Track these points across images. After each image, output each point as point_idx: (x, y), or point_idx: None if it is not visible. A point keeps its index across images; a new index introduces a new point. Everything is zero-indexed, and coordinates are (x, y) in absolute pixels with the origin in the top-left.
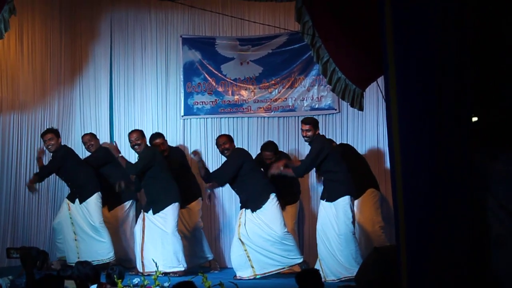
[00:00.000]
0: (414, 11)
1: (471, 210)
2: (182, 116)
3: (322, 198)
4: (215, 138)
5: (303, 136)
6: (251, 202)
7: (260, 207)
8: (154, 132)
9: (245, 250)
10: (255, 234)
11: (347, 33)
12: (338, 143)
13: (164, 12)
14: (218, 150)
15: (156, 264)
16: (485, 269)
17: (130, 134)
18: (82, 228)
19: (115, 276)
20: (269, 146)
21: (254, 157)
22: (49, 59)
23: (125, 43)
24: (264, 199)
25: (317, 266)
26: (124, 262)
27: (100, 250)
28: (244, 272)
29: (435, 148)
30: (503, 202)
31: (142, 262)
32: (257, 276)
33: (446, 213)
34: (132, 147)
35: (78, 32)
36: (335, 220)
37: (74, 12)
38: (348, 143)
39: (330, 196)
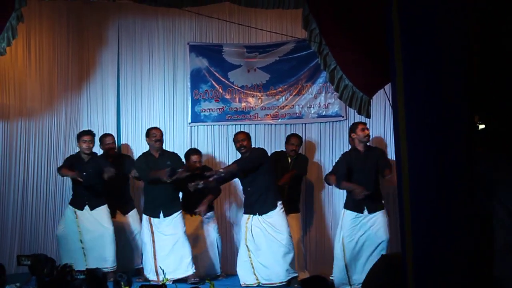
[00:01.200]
0: (421, 18)
1: (477, 218)
2: (189, 123)
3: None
4: (222, 144)
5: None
6: (260, 204)
7: (268, 211)
8: (191, 148)
9: (250, 257)
10: (260, 241)
11: (354, 41)
12: (344, 150)
13: (171, 19)
14: (224, 157)
15: (163, 271)
16: (491, 277)
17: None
18: (91, 235)
19: (122, 283)
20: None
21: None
22: (56, 66)
23: (132, 50)
24: (274, 205)
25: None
26: (131, 269)
27: (108, 257)
28: (248, 279)
29: (442, 155)
30: (511, 209)
31: (156, 271)
32: (260, 284)
33: (453, 221)
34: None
35: (85, 39)
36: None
37: (82, 19)
38: None
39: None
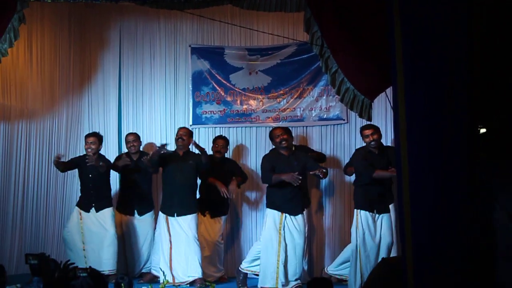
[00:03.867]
0: (422, 21)
1: (478, 222)
2: (191, 125)
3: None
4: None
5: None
6: (299, 204)
7: (301, 212)
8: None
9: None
10: (291, 240)
11: (355, 44)
12: (345, 153)
13: (173, 22)
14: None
15: (163, 273)
16: (493, 281)
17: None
18: (93, 237)
19: (123, 284)
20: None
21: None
22: (58, 67)
23: (134, 52)
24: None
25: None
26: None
27: (108, 260)
28: (269, 282)
29: (443, 158)
30: None
31: (172, 273)
32: None
33: (453, 224)
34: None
35: (87, 41)
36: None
37: (83, 21)
38: None
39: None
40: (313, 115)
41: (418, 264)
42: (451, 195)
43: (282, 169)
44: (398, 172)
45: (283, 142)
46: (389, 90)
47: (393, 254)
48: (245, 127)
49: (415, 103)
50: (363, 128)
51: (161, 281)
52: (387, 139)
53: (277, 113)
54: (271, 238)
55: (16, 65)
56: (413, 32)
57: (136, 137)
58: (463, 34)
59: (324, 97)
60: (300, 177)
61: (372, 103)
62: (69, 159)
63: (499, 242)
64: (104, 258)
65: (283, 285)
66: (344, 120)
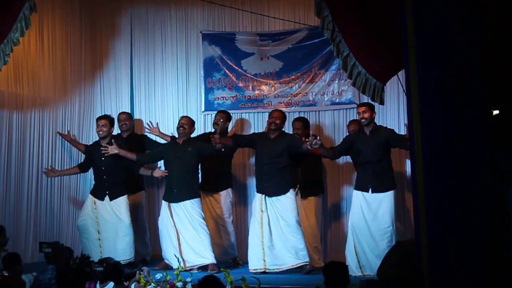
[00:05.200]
0: (435, 4)
1: (492, 204)
2: (203, 111)
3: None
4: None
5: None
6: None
7: (283, 193)
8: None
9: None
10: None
11: (367, 27)
12: None
13: (184, 8)
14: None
15: (178, 259)
16: (506, 263)
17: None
18: (108, 226)
19: (142, 275)
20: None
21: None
22: (69, 56)
23: (145, 39)
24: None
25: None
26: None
27: (124, 250)
28: (256, 264)
29: (457, 142)
30: None
31: (183, 258)
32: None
33: (467, 207)
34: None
35: (98, 29)
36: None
37: (94, 8)
38: None
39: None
40: (325, 100)
41: (433, 247)
42: (465, 177)
43: (259, 149)
44: (412, 155)
45: (272, 125)
46: (401, 73)
47: (392, 235)
48: (258, 112)
49: (427, 86)
50: (358, 106)
51: (175, 266)
52: (400, 122)
53: (289, 98)
54: (254, 221)
55: (28, 54)
56: (425, 14)
57: (128, 116)
58: (477, 15)
59: (336, 81)
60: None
61: (384, 87)
62: (83, 159)
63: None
64: (120, 248)
65: (277, 267)
66: (356, 104)
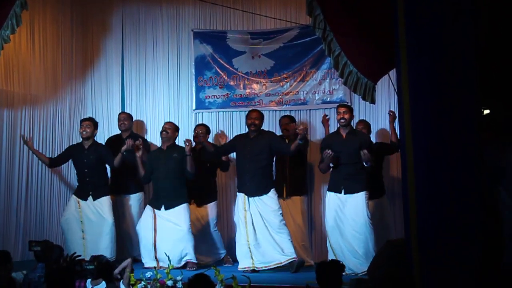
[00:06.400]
0: (426, 4)
1: (483, 203)
2: (194, 110)
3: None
4: (226, 131)
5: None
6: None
7: (264, 193)
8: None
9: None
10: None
11: (358, 26)
12: None
13: (175, 6)
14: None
15: (168, 257)
16: (498, 263)
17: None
18: (92, 226)
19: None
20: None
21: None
22: (60, 53)
23: (136, 37)
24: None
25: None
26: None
27: (106, 249)
28: (244, 263)
29: (447, 141)
30: None
31: (156, 257)
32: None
33: (458, 206)
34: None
35: (89, 27)
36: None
37: (86, 6)
38: None
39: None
40: (317, 99)
41: (423, 246)
42: (456, 175)
43: (240, 149)
44: (402, 153)
45: (252, 127)
46: (392, 73)
47: (367, 235)
48: (249, 111)
49: (418, 85)
50: (338, 106)
51: (166, 265)
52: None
53: (280, 96)
54: (238, 221)
55: (19, 51)
56: (416, 13)
57: (128, 116)
58: (468, 14)
59: (327, 80)
60: None
61: (376, 86)
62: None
63: (504, 223)
64: (102, 247)
65: (265, 265)
66: (347, 103)
